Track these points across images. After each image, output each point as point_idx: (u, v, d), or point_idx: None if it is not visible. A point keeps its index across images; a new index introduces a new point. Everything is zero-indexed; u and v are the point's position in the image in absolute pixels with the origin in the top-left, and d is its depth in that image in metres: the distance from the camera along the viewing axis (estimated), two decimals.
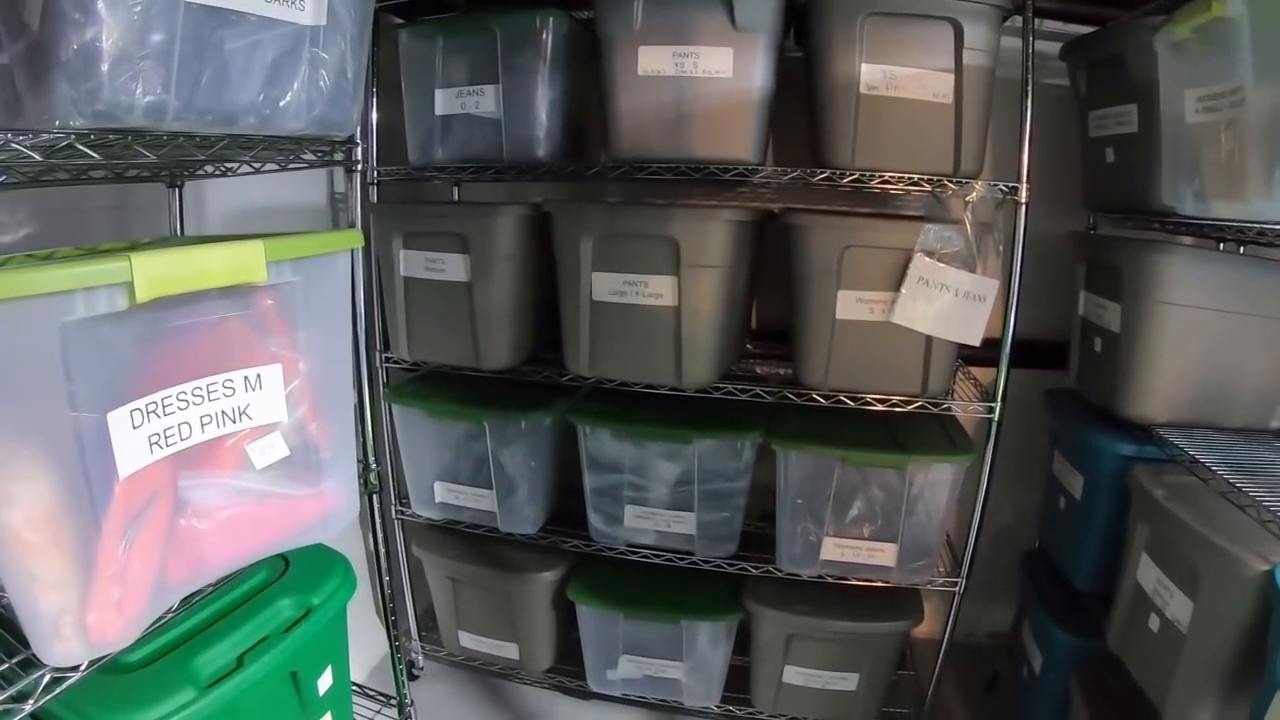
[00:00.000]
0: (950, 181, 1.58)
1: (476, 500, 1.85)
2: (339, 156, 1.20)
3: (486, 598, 1.93)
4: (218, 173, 1.32)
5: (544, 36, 1.62)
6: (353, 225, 1.24)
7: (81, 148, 0.82)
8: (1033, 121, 1.56)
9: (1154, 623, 1.36)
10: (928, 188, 1.58)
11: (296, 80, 1.03)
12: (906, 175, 1.56)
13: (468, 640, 1.99)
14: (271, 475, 1.07)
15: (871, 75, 1.53)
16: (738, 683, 1.90)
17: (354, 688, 1.50)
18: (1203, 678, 1.24)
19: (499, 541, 1.90)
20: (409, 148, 1.75)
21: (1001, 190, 1.57)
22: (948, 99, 1.53)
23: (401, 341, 1.78)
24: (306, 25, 1.02)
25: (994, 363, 1.66)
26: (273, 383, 1.04)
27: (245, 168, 1.25)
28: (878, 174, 1.56)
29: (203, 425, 0.98)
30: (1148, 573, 1.40)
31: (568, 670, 1.97)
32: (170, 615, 1.02)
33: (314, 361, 1.09)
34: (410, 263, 1.71)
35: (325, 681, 1.21)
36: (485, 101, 1.66)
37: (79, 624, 0.88)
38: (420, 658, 2.09)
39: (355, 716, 1.46)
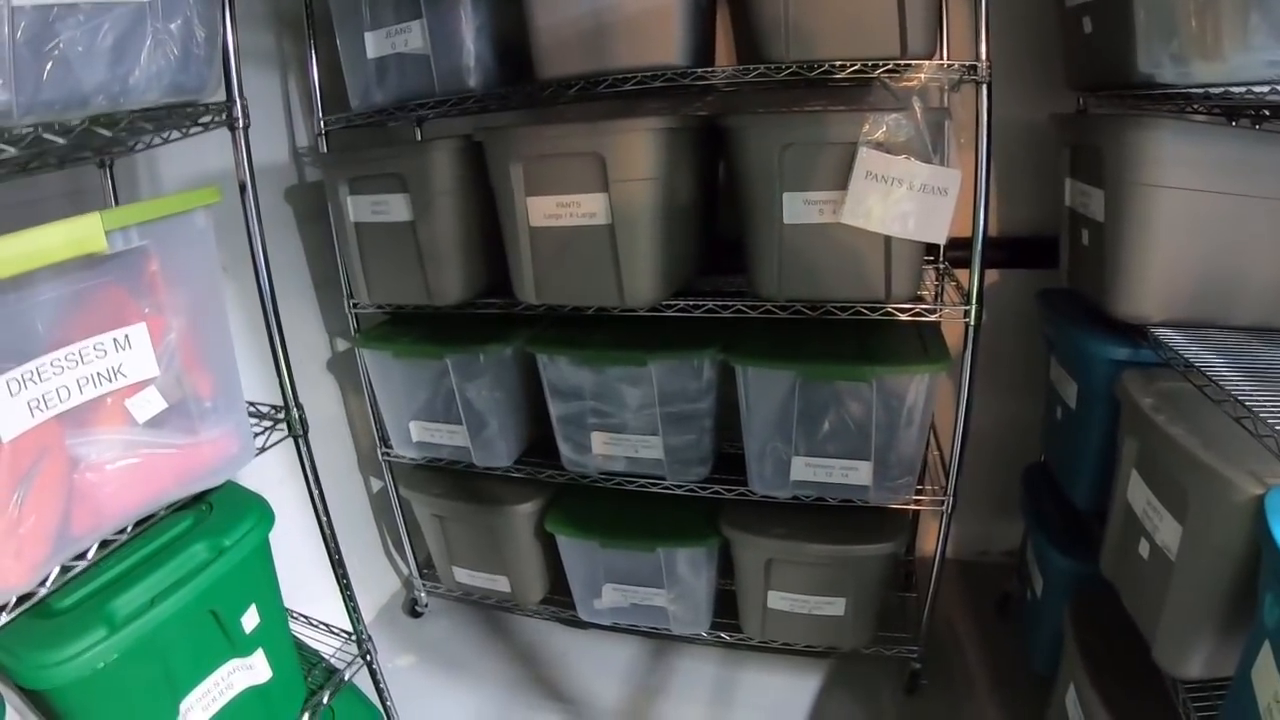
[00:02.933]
0: (899, 65, 1.41)
1: (451, 437, 1.81)
2: (218, 119, 1.17)
3: (473, 533, 1.90)
4: (125, 149, 1.31)
5: None
6: (243, 184, 1.21)
7: None
8: None
9: (1144, 548, 1.20)
10: (873, 74, 1.41)
11: (143, 54, 1.03)
12: (847, 63, 1.40)
13: (462, 575, 1.98)
14: (157, 427, 1.08)
15: None
16: (728, 609, 1.82)
17: (317, 625, 1.52)
18: (1192, 613, 1.08)
19: (479, 476, 1.87)
20: (349, 93, 1.69)
21: (959, 70, 1.40)
22: None
23: (361, 287, 1.75)
24: (144, 1, 1.01)
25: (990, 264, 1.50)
26: (140, 341, 1.05)
27: (155, 138, 1.24)
28: (815, 65, 1.41)
29: (80, 387, 1.00)
30: (1137, 493, 1.24)
31: (560, 601, 1.93)
32: (88, 563, 1.05)
33: (184, 317, 1.09)
34: (358, 208, 1.67)
35: (251, 619, 1.20)
36: (413, 38, 1.57)
37: None
38: (423, 595, 2.10)
39: (323, 651, 1.48)
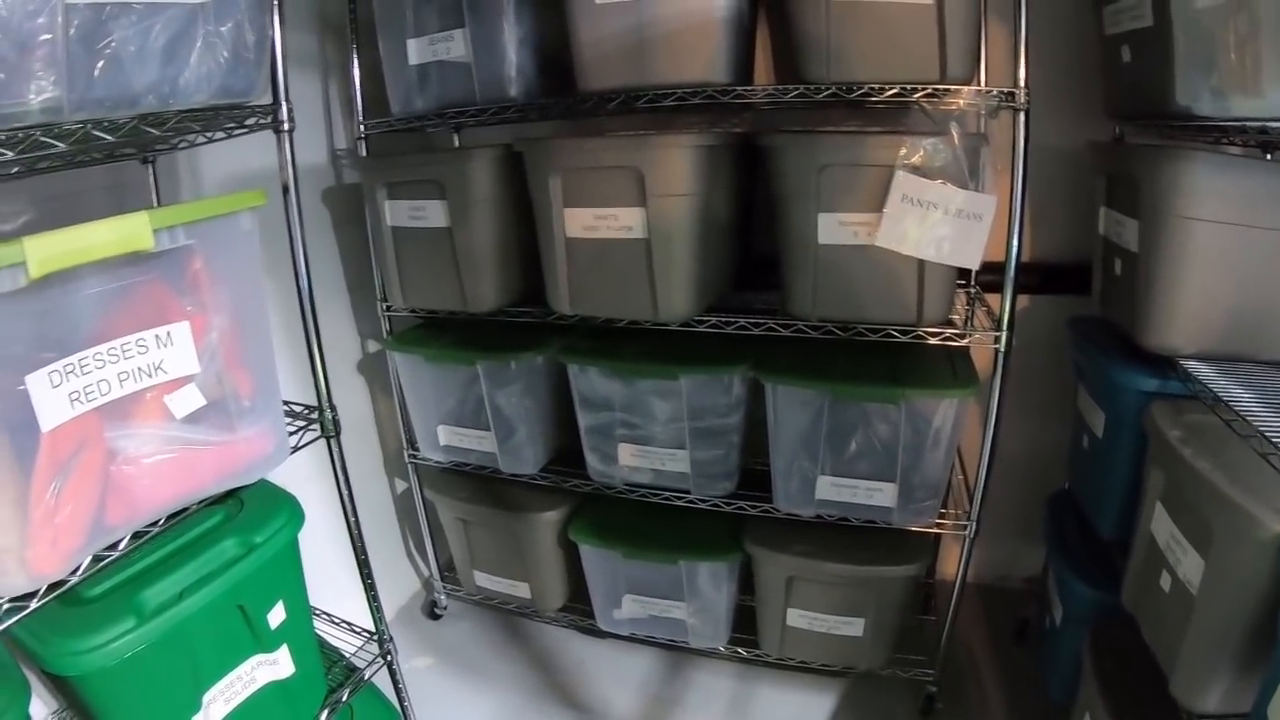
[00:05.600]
0: (937, 90, 1.39)
1: (479, 442, 1.80)
2: (263, 121, 1.16)
3: (496, 538, 1.89)
4: (170, 147, 1.31)
5: None
6: (286, 186, 1.20)
7: None
8: (1029, 17, 1.34)
9: (1165, 581, 1.17)
10: (912, 98, 1.39)
11: (193, 56, 1.03)
12: (886, 86, 1.38)
13: (483, 580, 1.96)
14: (195, 423, 1.08)
15: None
16: (747, 625, 1.79)
17: (341, 623, 1.50)
18: (1211, 648, 1.05)
19: (505, 482, 1.85)
20: (390, 99, 1.69)
21: (997, 96, 1.37)
22: None
23: (395, 290, 1.74)
24: (197, 3, 1.01)
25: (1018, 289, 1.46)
26: (183, 338, 1.05)
27: (200, 138, 1.25)
28: (855, 86, 1.39)
29: (121, 381, 1.00)
30: (1161, 525, 1.21)
31: (580, 609, 1.91)
32: (120, 554, 1.04)
33: (227, 316, 1.09)
34: (395, 212, 1.66)
35: (277, 615, 1.19)
36: (455, 46, 1.57)
37: (20, 560, 0.93)
38: (443, 597, 2.08)
39: (344, 649, 1.46)
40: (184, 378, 1.06)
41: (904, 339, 1.47)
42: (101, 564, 1.01)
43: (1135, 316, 1.34)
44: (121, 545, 1.03)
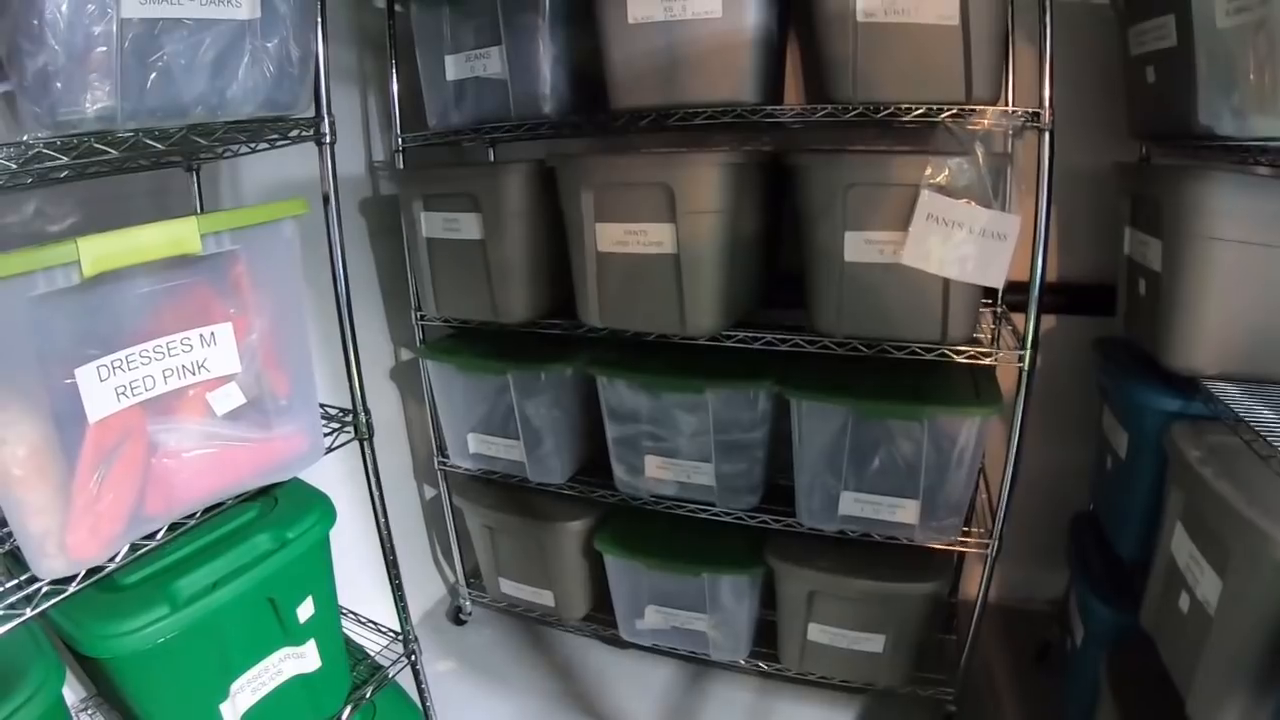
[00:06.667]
0: (963, 110, 1.39)
1: (507, 451, 1.81)
2: (306, 133, 1.20)
3: (521, 546, 1.89)
4: (214, 155, 1.35)
5: None
6: (326, 196, 1.24)
7: (49, 152, 0.91)
8: (1053, 38, 1.34)
9: (1184, 602, 1.15)
10: (938, 118, 1.39)
11: (241, 70, 1.06)
12: (913, 106, 1.38)
13: (508, 587, 1.96)
14: (233, 421, 1.11)
15: (868, 1, 1.36)
16: (768, 638, 1.78)
17: (367, 623, 1.51)
18: (1228, 669, 1.03)
19: (532, 491, 1.86)
20: (427, 113, 1.72)
21: (1022, 116, 1.37)
22: (954, 20, 1.34)
23: (429, 300, 1.76)
24: (244, 19, 1.04)
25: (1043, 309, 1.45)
26: (225, 339, 1.08)
27: (244, 148, 1.28)
28: (882, 106, 1.39)
29: (165, 378, 1.03)
30: (1181, 545, 1.19)
31: (603, 619, 1.90)
32: (157, 544, 1.06)
33: (267, 319, 1.12)
34: (431, 224, 1.69)
35: (306, 610, 1.20)
36: (491, 63, 1.60)
37: (60, 544, 0.96)
38: (468, 603, 2.09)
39: (369, 648, 1.47)
40: (225, 376, 1.09)
41: (928, 357, 1.46)
42: (139, 553, 1.03)
43: (1158, 337, 1.33)
44: (159, 535, 1.06)
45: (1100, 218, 1.72)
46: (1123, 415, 1.48)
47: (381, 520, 1.39)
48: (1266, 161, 1.35)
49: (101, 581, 1.01)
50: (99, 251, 0.91)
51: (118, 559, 1.01)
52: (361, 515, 1.41)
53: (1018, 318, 1.65)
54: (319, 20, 1.16)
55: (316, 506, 1.23)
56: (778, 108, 1.45)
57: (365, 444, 1.34)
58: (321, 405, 1.29)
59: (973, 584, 1.86)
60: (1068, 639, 1.66)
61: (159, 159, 1.29)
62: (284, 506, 1.22)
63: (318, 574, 1.24)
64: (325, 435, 1.26)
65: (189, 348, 1.05)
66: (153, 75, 0.97)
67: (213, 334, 1.07)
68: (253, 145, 1.21)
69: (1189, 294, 1.27)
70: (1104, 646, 1.41)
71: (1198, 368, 1.28)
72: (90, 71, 0.92)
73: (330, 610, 1.27)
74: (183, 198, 1.42)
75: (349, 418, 1.34)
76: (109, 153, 0.96)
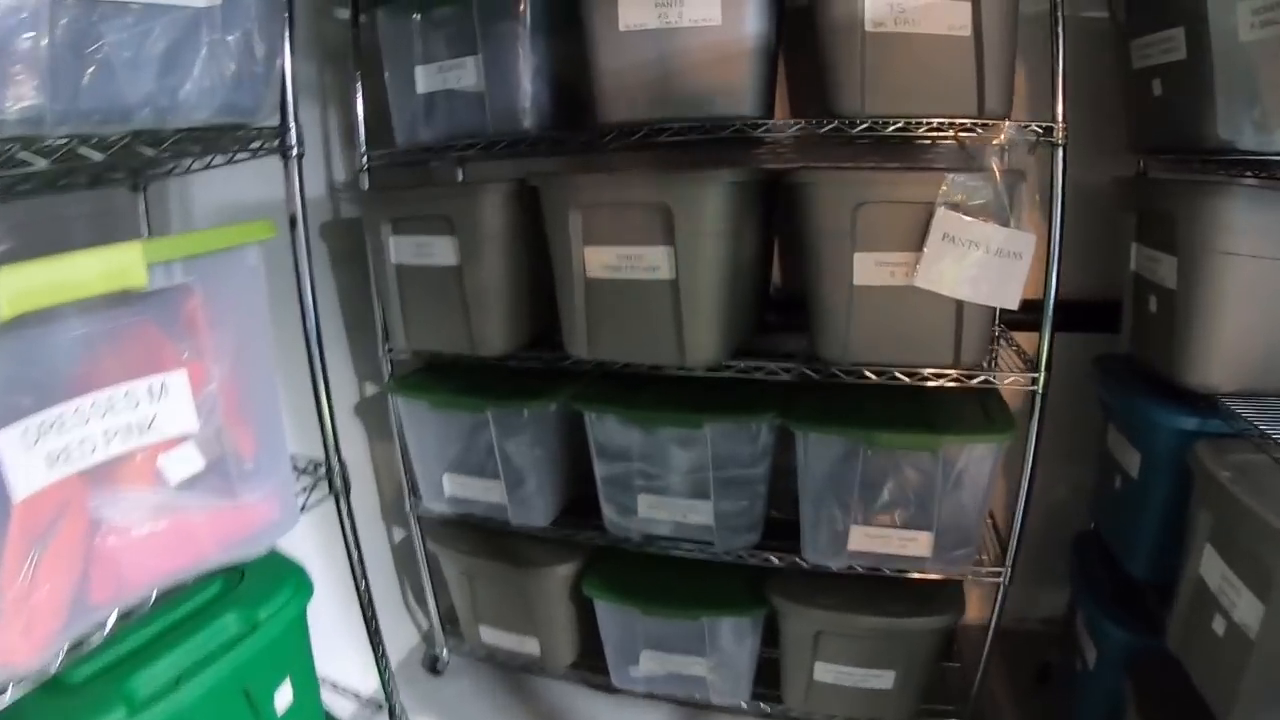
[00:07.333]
0: (975, 124, 1.31)
1: (486, 493, 1.66)
2: (268, 144, 1.03)
3: (503, 593, 1.74)
4: (163, 171, 1.17)
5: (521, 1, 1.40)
6: (294, 218, 1.07)
7: None
8: (1065, 50, 1.28)
9: (1219, 625, 1.09)
10: (950, 132, 1.31)
11: (196, 67, 0.90)
12: (924, 120, 1.30)
13: (488, 635, 1.81)
14: (191, 488, 0.94)
15: (877, 10, 1.27)
16: (768, 678, 1.67)
17: (346, 692, 1.35)
18: (1271, 694, 0.97)
19: (513, 534, 1.71)
20: (395, 129, 1.56)
21: (1035, 131, 1.30)
22: (965, 30, 1.26)
23: (398, 331, 1.60)
24: (201, 7, 0.88)
25: (1039, 327, 1.38)
26: (179, 390, 0.91)
27: (197, 163, 1.11)
28: (891, 120, 1.30)
29: (107, 439, 0.86)
30: (1212, 567, 1.13)
31: (592, 665, 1.77)
32: (107, 635, 0.90)
33: (228, 365, 0.95)
34: (400, 249, 1.53)
35: (284, 697, 1.05)
36: (466, 75, 1.45)
37: None
38: (445, 652, 1.92)
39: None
40: (179, 436, 0.92)
41: (941, 383, 1.38)
42: (85, 649, 0.87)
43: (1174, 354, 1.28)
44: (109, 626, 0.89)
45: (1094, 233, 1.67)
46: (1133, 434, 1.42)
47: (361, 584, 1.23)
48: None
49: (44, 683, 0.84)
50: (19, 287, 0.74)
51: (58, 661, 0.84)
52: (331, 569, 1.25)
53: (1019, 337, 1.60)
54: (286, 14, 1.00)
55: (290, 578, 1.07)
56: (785, 121, 1.34)
57: (341, 499, 1.19)
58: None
59: (973, 608, 1.80)
60: (1076, 660, 1.60)
61: (100, 174, 1.10)
62: (252, 579, 1.07)
63: (295, 655, 1.08)
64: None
65: (135, 403, 0.88)
66: (90, 70, 0.80)
67: (163, 385, 0.90)
68: (208, 158, 1.04)
69: (1207, 311, 1.23)
70: (1120, 668, 1.36)
71: (1215, 385, 1.25)
72: (12, 63, 0.76)
73: (311, 693, 1.12)
74: (129, 223, 1.24)
75: (321, 470, 1.18)
76: (36, 163, 0.79)
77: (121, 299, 0.83)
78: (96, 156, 0.84)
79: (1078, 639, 1.61)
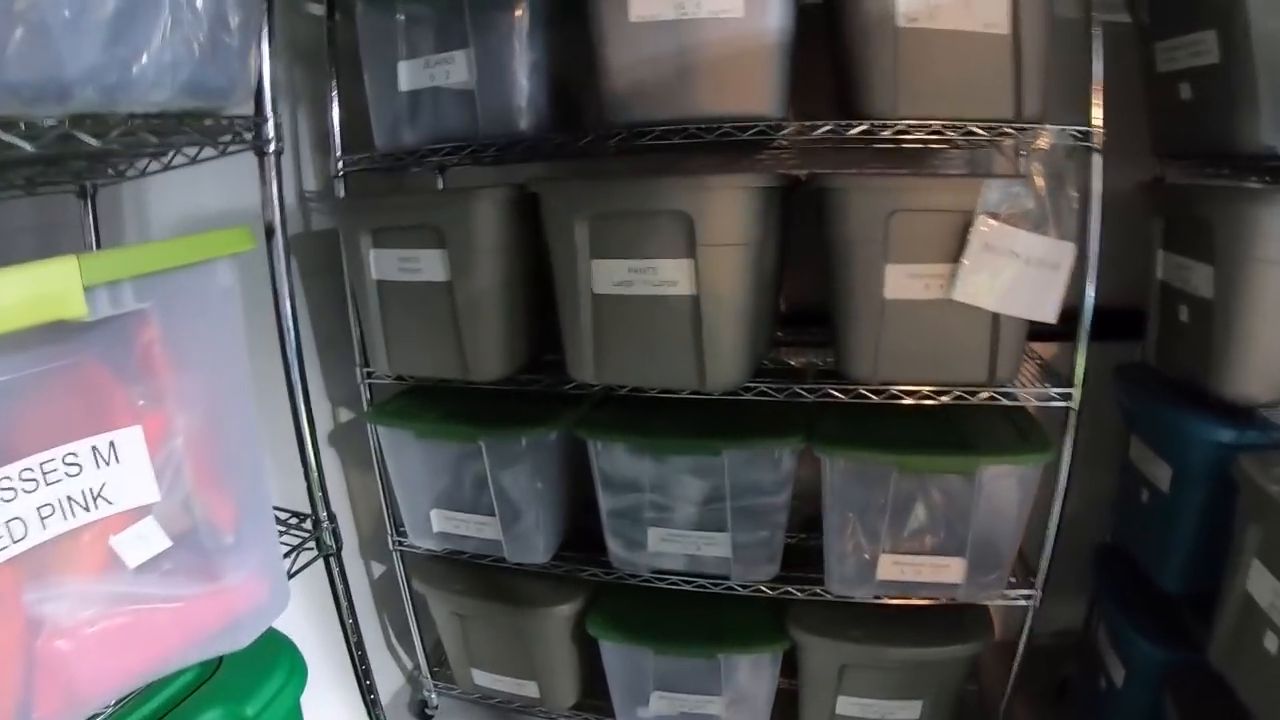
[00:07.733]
0: (1012, 127, 1.22)
1: (479, 529, 1.51)
2: (241, 137, 0.84)
3: (498, 634, 1.59)
4: (114, 172, 0.98)
5: None
6: (270, 227, 0.89)
7: None
8: (1104, 53, 1.21)
9: (1271, 643, 1.03)
10: (986, 135, 1.22)
11: (156, 35, 0.71)
12: (959, 123, 1.20)
13: (482, 679, 1.66)
14: (155, 571, 0.75)
15: (911, 4, 1.17)
16: (787, 711, 1.56)
17: None
18: None
19: (508, 571, 1.56)
20: (374, 131, 1.40)
21: (1073, 135, 1.21)
22: (1003, 28, 1.17)
23: (380, 354, 1.43)
24: None
25: (1060, 337, 1.32)
26: (133, 449, 0.72)
27: (154, 163, 0.93)
28: (925, 122, 1.20)
29: (43, 519, 0.68)
30: (1261, 583, 1.06)
31: (596, 705, 1.63)
32: None
33: (197, 413, 0.76)
34: (382, 264, 1.37)
35: None
36: (455, 70, 1.30)
37: None
38: (433, 696, 1.77)
39: None
40: (137, 508, 0.74)
41: (975, 401, 1.29)
42: None
43: (1209, 365, 1.23)
44: None
45: (1112, 238, 1.60)
46: (1162, 446, 1.36)
47: (356, 655, 1.07)
48: None
49: None
50: None
51: None
52: (316, 624, 1.08)
53: (1040, 348, 1.53)
54: None
55: (280, 662, 0.90)
56: (809, 124, 1.22)
57: (333, 560, 1.02)
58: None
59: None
60: (1101, 676, 1.54)
61: (35, 176, 0.90)
62: (233, 665, 0.89)
63: None
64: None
65: (76, 469, 0.70)
66: (18, 32, 0.62)
67: (112, 444, 0.72)
68: (168, 155, 0.85)
69: (1246, 320, 1.17)
70: (1151, 684, 1.31)
71: (1253, 396, 1.20)
72: None
73: None
74: (74, 235, 1.04)
75: (307, 524, 1.01)
76: None
77: (55, 333, 0.65)
78: (25, 147, 0.64)
79: (1100, 654, 1.55)
